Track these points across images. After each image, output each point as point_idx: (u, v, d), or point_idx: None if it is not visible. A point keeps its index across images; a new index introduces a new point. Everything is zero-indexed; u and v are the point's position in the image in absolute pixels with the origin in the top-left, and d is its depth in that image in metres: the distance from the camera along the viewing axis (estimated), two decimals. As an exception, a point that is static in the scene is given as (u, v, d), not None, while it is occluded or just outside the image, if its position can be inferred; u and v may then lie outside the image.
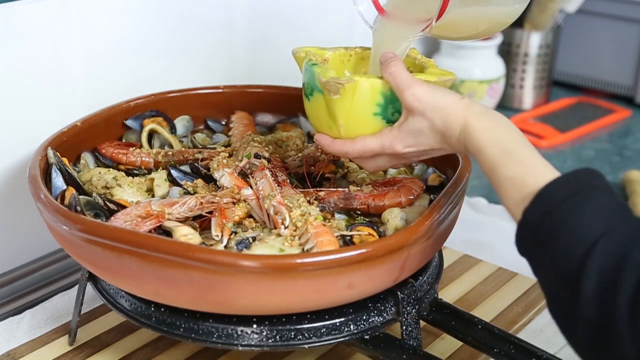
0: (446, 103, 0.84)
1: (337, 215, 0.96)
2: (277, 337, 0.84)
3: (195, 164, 1.04)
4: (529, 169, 0.76)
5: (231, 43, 1.39)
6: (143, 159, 1.07)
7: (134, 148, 1.08)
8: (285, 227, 0.87)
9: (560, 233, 0.69)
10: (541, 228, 0.70)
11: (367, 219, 0.95)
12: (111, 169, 1.03)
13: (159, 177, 1.01)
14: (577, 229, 0.68)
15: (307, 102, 0.95)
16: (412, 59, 0.98)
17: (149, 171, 1.06)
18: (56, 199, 0.91)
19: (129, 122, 1.12)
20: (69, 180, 0.95)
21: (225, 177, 0.98)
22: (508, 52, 1.79)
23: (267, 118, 1.21)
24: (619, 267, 0.64)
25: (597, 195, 0.70)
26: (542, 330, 1.05)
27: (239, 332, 0.84)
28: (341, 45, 1.03)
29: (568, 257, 0.67)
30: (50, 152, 0.96)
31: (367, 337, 0.87)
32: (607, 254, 0.65)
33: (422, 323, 0.92)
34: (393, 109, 0.89)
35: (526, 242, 0.73)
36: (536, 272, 0.73)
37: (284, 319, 0.84)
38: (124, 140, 1.12)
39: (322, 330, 0.85)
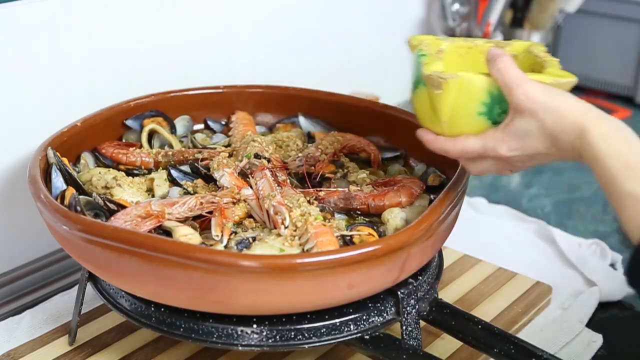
0: (560, 103, 0.78)
1: (337, 215, 0.96)
2: (277, 337, 0.84)
3: (195, 164, 1.04)
4: None
5: (231, 43, 1.39)
6: (143, 159, 1.07)
7: (134, 148, 1.08)
8: (285, 227, 0.87)
9: None
10: None
11: (367, 219, 0.95)
12: (111, 169, 1.03)
13: (159, 177, 1.01)
14: None
15: (413, 94, 0.90)
16: (533, 55, 0.92)
17: (149, 171, 1.06)
18: (56, 199, 0.91)
19: (129, 122, 1.12)
20: (69, 180, 0.95)
21: (225, 177, 0.98)
22: (508, 52, 1.79)
23: (267, 118, 1.21)
24: None
25: None
26: (542, 330, 1.05)
27: (239, 332, 0.84)
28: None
29: None
30: (50, 152, 0.96)
31: (367, 337, 0.87)
32: None
33: (422, 323, 0.92)
34: (500, 109, 0.84)
35: None
36: None
37: (284, 319, 0.84)
38: (124, 140, 1.12)
39: (322, 330, 0.85)
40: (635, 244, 0.66)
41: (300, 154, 1.06)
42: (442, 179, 1.02)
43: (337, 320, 0.85)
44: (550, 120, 0.78)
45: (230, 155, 1.05)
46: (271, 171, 0.98)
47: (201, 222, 0.92)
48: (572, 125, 0.77)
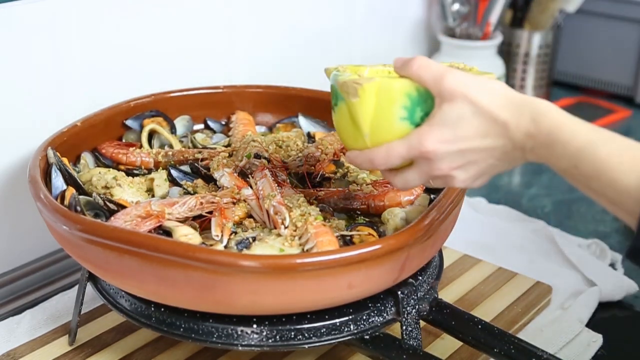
0: (496, 86, 0.71)
1: (337, 215, 0.96)
2: (277, 337, 0.84)
3: (195, 164, 1.04)
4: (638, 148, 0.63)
5: (231, 43, 1.39)
6: (143, 159, 1.07)
7: (134, 148, 1.08)
8: (285, 227, 0.87)
9: None
10: None
11: (367, 219, 0.95)
12: (111, 169, 1.03)
13: (159, 177, 1.01)
14: None
15: (334, 114, 0.84)
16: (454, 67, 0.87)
17: (149, 171, 1.06)
18: (56, 199, 0.91)
19: (129, 122, 1.12)
20: (69, 180, 0.95)
21: (225, 177, 0.98)
22: (508, 52, 1.79)
23: (267, 118, 1.21)
24: None
25: None
26: (542, 330, 1.05)
27: (239, 332, 0.84)
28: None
29: None
30: (50, 152, 0.96)
31: (367, 337, 0.87)
32: None
33: (422, 323, 0.92)
34: (422, 111, 0.77)
35: None
36: None
37: (284, 319, 0.84)
38: (124, 140, 1.12)
39: (322, 330, 0.85)
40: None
41: (300, 154, 1.06)
42: (442, 179, 1.02)
43: (337, 320, 0.85)
44: (486, 96, 0.70)
45: (230, 155, 1.05)
46: (271, 171, 0.98)
47: (201, 222, 0.92)
48: (518, 100, 0.69)
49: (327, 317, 0.85)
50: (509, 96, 0.70)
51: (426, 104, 0.77)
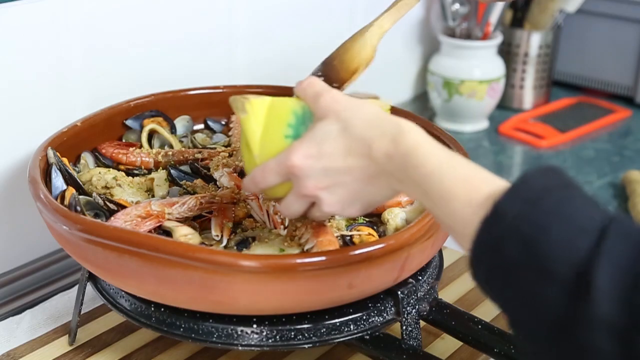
0: (369, 107, 0.70)
1: (337, 215, 0.95)
2: (277, 337, 0.84)
3: (195, 164, 1.04)
4: (485, 173, 0.63)
5: (231, 43, 1.39)
6: (143, 159, 1.07)
7: (134, 148, 1.08)
8: (285, 228, 0.87)
9: (552, 223, 0.55)
10: (522, 220, 0.56)
11: (367, 219, 0.95)
12: (111, 169, 1.03)
13: (159, 177, 1.01)
14: (575, 218, 0.55)
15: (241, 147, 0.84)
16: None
17: (149, 171, 1.06)
18: (56, 199, 0.91)
19: (129, 122, 1.12)
20: (69, 180, 0.95)
21: (225, 177, 0.98)
22: (508, 52, 1.79)
23: (267, 118, 1.21)
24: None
25: (579, 188, 0.60)
26: (542, 330, 1.05)
27: (239, 332, 0.84)
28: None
29: (571, 248, 0.53)
30: (50, 152, 0.96)
31: (367, 337, 0.87)
32: (622, 241, 0.53)
33: (422, 323, 0.92)
34: (306, 129, 0.76)
35: (494, 243, 0.57)
36: (507, 282, 0.57)
37: (284, 319, 0.84)
38: (124, 140, 1.12)
39: (322, 330, 0.85)
40: (482, 219, 0.58)
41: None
42: (442, 179, 1.02)
43: (337, 320, 0.85)
44: (357, 120, 0.69)
45: (230, 155, 1.05)
46: (271, 171, 0.98)
47: (201, 222, 0.92)
48: (386, 124, 0.67)
49: (327, 317, 0.85)
50: (380, 117, 0.69)
51: (311, 122, 0.76)
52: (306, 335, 0.85)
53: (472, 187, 0.61)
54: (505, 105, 1.82)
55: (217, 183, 0.99)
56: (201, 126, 1.19)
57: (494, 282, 0.58)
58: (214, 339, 0.84)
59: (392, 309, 0.88)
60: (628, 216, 0.56)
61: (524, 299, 0.55)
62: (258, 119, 0.78)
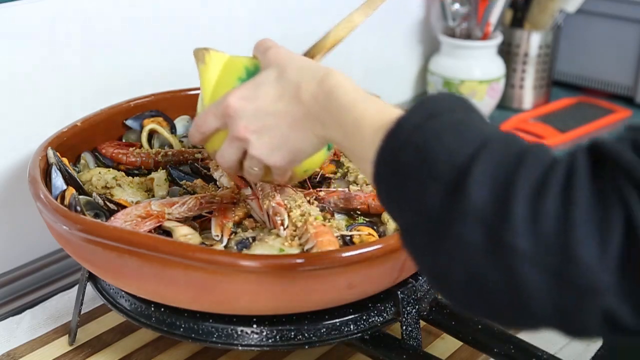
0: (307, 58, 0.76)
1: (337, 215, 0.96)
2: (277, 337, 0.84)
3: (195, 164, 1.04)
4: (399, 109, 0.65)
5: (231, 43, 1.39)
6: (143, 159, 1.07)
7: (134, 148, 1.08)
8: (284, 228, 0.87)
9: (445, 133, 0.58)
10: (420, 131, 0.59)
11: (367, 219, 0.95)
12: (111, 169, 1.03)
13: (159, 177, 1.01)
14: (468, 131, 0.58)
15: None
16: None
17: (149, 171, 1.06)
18: (56, 199, 0.91)
19: (129, 122, 1.12)
20: (69, 180, 0.95)
21: (225, 177, 0.98)
22: (508, 52, 1.79)
23: (267, 118, 1.21)
24: (517, 161, 0.54)
25: (481, 113, 0.63)
26: (542, 330, 1.05)
27: (239, 332, 0.84)
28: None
29: (457, 153, 0.56)
30: (50, 152, 0.96)
31: (367, 337, 0.87)
32: (502, 147, 0.56)
33: (422, 323, 0.92)
34: None
35: (392, 154, 0.60)
36: (400, 189, 0.59)
37: (284, 319, 0.84)
38: (124, 140, 1.12)
39: (322, 330, 0.85)
40: (386, 133, 0.61)
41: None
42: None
43: (337, 320, 0.85)
44: (292, 69, 0.73)
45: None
46: (271, 171, 0.98)
47: (201, 222, 0.92)
48: (316, 70, 0.71)
49: (327, 317, 0.85)
50: (313, 64, 0.73)
51: None
52: (306, 335, 0.85)
53: (383, 114, 0.64)
54: (505, 105, 1.82)
55: (217, 183, 0.99)
56: (201, 126, 1.19)
57: (391, 193, 0.61)
58: (214, 339, 0.84)
59: (392, 309, 0.88)
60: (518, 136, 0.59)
61: (412, 201, 0.58)
62: (214, 71, 0.82)
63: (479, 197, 0.53)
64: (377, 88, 1.64)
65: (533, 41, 1.77)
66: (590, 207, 0.50)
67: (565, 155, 0.55)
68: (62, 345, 1.00)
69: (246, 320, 0.84)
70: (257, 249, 0.85)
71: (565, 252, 0.50)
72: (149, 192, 1.00)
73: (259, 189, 0.94)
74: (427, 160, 0.57)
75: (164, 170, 1.04)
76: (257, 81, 0.75)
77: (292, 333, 0.84)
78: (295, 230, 0.87)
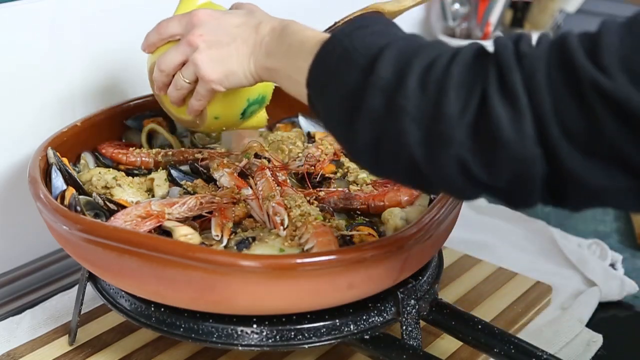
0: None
1: (337, 215, 0.96)
2: (277, 337, 0.84)
3: (195, 164, 1.04)
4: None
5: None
6: (143, 159, 1.07)
7: (134, 148, 1.08)
8: (284, 228, 0.87)
9: (368, 35, 0.70)
10: (348, 38, 0.70)
11: (367, 219, 0.95)
12: (111, 169, 1.03)
13: (159, 177, 1.01)
14: (389, 34, 0.71)
15: None
16: None
17: (149, 171, 1.06)
18: (56, 199, 0.91)
19: (129, 122, 1.12)
20: (69, 180, 0.95)
21: (225, 177, 0.98)
22: (508, 52, 1.79)
23: (267, 118, 1.21)
24: (414, 52, 0.66)
25: (397, 26, 0.75)
26: (542, 330, 1.05)
27: (239, 332, 0.84)
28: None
29: (372, 46, 0.68)
30: (50, 152, 0.96)
31: (367, 337, 0.87)
32: (409, 39, 0.69)
33: (422, 323, 0.92)
34: None
35: (323, 59, 0.72)
36: (327, 85, 0.71)
37: (284, 319, 0.84)
38: (124, 140, 1.12)
39: (322, 330, 0.85)
40: (320, 45, 0.72)
41: (300, 154, 1.06)
42: (442, 179, 1.01)
43: (337, 320, 0.85)
44: (261, 12, 0.86)
45: (230, 155, 1.05)
46: (271, 171, 0.98)
47: (201, 222, 0.92)
48: (281, 19, 0.82)
49: (327, 317, 0.85)
50: (276, 20, 0.83)
51: None
52: (306, 335, 0.85)
53: (326, 35, 0.74)
54: (505, 105, 1.82)
55: (217, 183, 0.99)
56: (201, 126, 1.19)
57: (320, 90, 0.72)
58: (214, 339, 0.84)
59: (392, 309, 0.88)
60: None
61: (335, 89, 0.69)
62: (190, 6, 0.92)
63: (384, 73, 0.65)
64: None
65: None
66: (462, 77, 0.62)
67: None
68: (62, 345, 1.00)
69: (246, 320, 0.84)
70: (257, 249, 0.85)
71: (436, 109, 0.62)
72: (149, 192, 1.00)
73: (259, 189, 0.94)
74: (350, 56, 0.69)
75: (164, 170, 1.04)
76: (227, 11, 0.86)
77: (292, 333, 0.84)
78: (295, 230, 0.87)
